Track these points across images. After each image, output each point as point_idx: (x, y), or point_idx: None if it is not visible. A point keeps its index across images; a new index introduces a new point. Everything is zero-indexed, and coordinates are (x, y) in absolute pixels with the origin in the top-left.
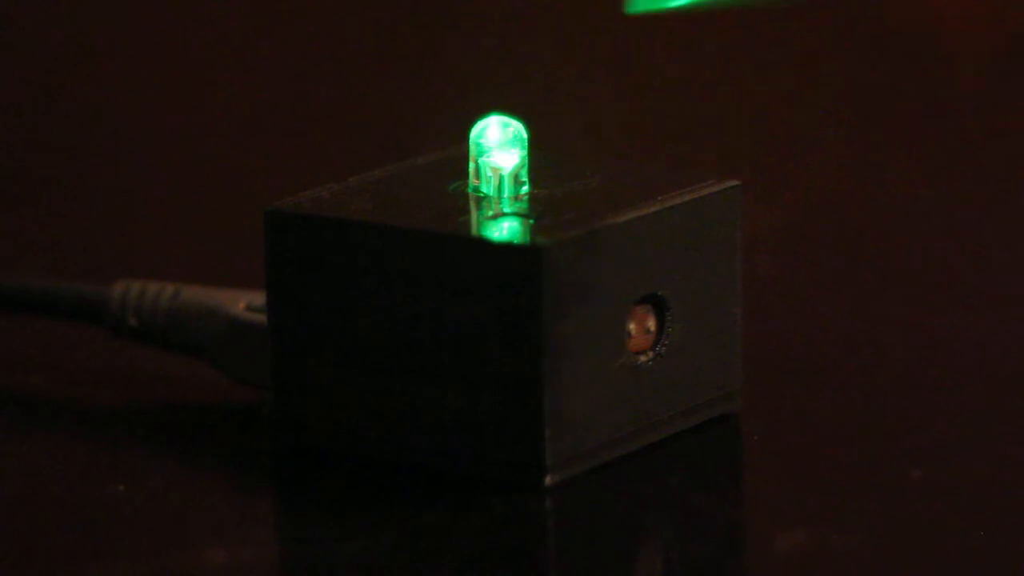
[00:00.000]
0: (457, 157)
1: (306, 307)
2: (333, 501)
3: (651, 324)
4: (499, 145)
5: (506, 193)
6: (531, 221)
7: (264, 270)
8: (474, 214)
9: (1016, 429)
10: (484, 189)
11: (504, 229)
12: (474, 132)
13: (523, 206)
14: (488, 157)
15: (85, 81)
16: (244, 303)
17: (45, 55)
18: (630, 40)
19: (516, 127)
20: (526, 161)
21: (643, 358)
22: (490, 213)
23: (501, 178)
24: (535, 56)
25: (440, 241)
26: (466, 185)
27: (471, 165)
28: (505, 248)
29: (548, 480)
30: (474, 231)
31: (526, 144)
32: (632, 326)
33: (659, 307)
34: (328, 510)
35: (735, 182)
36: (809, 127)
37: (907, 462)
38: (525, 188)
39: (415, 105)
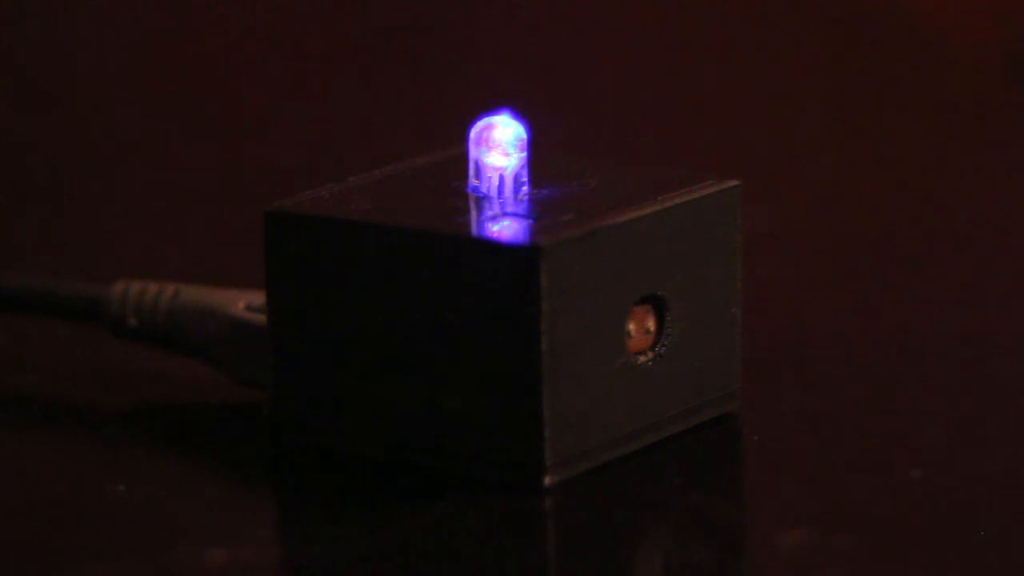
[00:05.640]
0: (457, 157)
1: (306, 307)
2: (333, 501)
3: (651, 324)
4: (499, 145)
5: (506, 193)
6: (531, 221)
7: (264, 270)
8: (474, 214)
9: (1016, 429)
10: (484, 189)
11: (504, 229)
12: (474, 132)
13: (523, 206)
14: (488, 157)
15: (85, 81)
16: (244, 303)
17: (45, 55)
18: (631, 40)
19: (516, 127)
20: (526, 161)
21: (643, 358)
22: (490, 213)
23: (501, 178)
24: (535, 56)
25: (440, 241)
26: (466, 185)
27: (471, 165)
28: (505, 248)
29: (548, 480)
30: (474, 231)
31: (526, 144)
32: (632, 326)
33: (659, 307)
34: (328, 510)
35: (735, 182)
36: (809, 127)
37: (907, 462)
38: (525, 188)
39: (415, 105)
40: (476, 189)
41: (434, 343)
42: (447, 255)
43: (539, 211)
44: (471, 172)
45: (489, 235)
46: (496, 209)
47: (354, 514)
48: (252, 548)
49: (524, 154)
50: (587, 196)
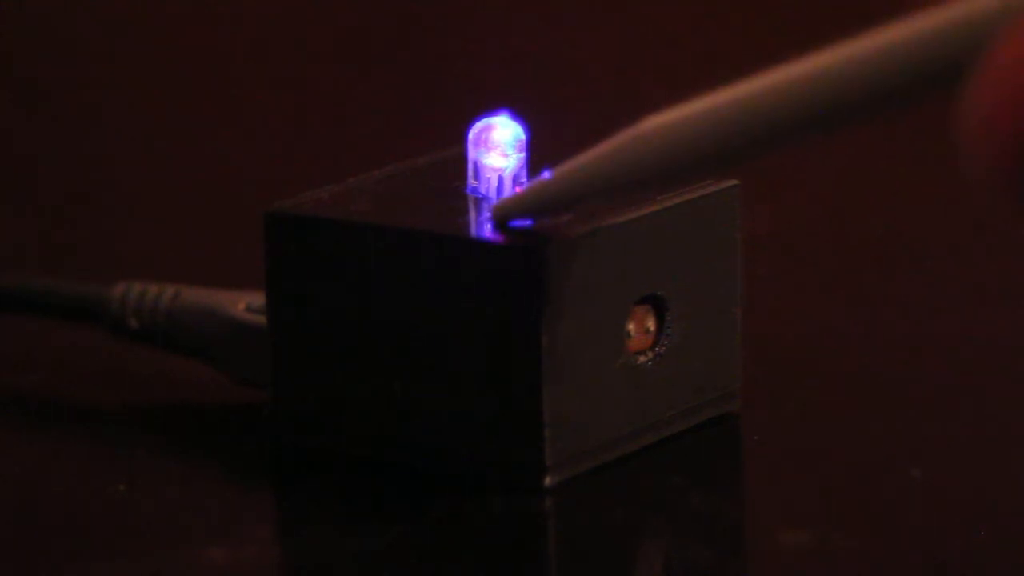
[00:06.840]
0: (457, 157)
1: (306, 307)
2: (333, 501)
3: (651, 324)
4: (498, 146)
5: (505, 194)
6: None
7: (264, 270)
8: (474, 214)
9: (1016, 429)
10: (483, 190)
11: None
12: (473, 133)
13: None
14: (487, 158)
15: (85, 81)
16: (244, 304)
17: (45, 55)
18: (630, 40)
19: (515, 128)
20: (525, 162)
21: (643, 358)
22: (490, 214)
23: (500, 179)
24: (535, 56)
25: (440, 241)
26: (466, 185)
27: (470, 166)
28: (505, 248)
29: (548, 480)
30: (474, 231)
31: (525, 145)
32: (632, 326)
33: (659, 307)
34: (328, 510)
35: (734, 182)
36: None
37: (907, 462)
38: None
39: (415, 105)
40: (475, 190)
41: (434, 343)
42: (447, 255)
43: None
44: (470, 173)
45: (489, 235)
46: None
47: (354, 514)
48: (252, 548)
49: (523, 155)
50: None
